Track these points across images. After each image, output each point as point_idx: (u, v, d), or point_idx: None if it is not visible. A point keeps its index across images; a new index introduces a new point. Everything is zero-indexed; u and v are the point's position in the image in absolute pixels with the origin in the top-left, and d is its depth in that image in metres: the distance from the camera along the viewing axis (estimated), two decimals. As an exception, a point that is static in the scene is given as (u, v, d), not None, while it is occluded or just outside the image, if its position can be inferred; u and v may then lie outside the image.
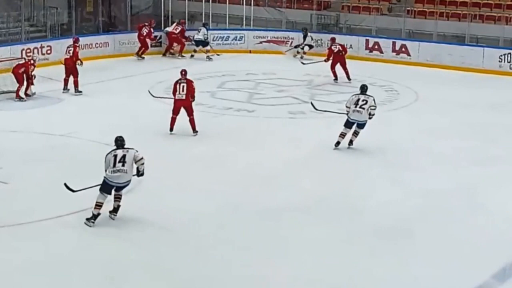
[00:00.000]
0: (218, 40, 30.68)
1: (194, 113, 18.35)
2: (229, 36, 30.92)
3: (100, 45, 28.40)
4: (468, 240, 12.63)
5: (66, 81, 22.59)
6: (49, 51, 26.73)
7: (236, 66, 26.81)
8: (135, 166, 13.20)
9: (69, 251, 11.93)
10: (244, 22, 32.36)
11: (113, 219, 13.14)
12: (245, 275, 11.26)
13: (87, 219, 12.94)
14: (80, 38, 27.33)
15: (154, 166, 15.92)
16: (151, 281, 11.03)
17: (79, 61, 22.51)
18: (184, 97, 18.25)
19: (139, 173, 13.34)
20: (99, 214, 12.96)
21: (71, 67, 22.54)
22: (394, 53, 29.02)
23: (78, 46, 23.00)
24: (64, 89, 22.55)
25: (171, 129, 18.43)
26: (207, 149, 17.29)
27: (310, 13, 32.44)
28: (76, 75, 22.45)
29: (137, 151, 13.17)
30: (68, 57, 22.64)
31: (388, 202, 14.24)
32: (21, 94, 21.64)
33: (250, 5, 32.41)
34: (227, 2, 32.52)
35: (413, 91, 23.72)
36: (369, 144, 17.95)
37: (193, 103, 18.38)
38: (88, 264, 11.48)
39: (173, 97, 18.32)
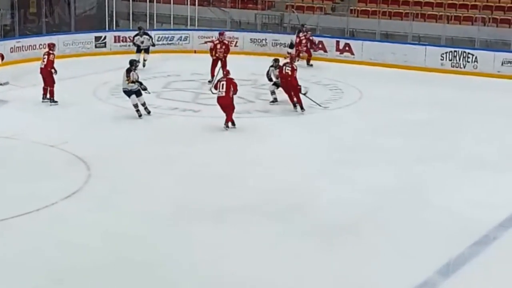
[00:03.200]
0: (162, 40, 30.62)
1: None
2: (173, 37, 30.90)
3: (44, 46, 28.10)
4: (413, 236, 12.83)
5: (45, 90, 21.45)
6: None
7: (181, 66, 26.82)
8: None
9: (14, 255, 11.85)
10: (188, 22, 32.38)
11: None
12: (194, 276, 11.32)
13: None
14: (24, 40, 27.24)
15: (100, 164, 16.02)
16: (96, 281, 11.04)
17: (53, 70, 21.43)
18: (224, 94, 18.98)
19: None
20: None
21: (46, 76, 21.43)
22: (338, 52, 29.26)
23: (52, 54, 21.66)
24: (43, 98, 21.42)
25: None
26: (154, 149, 17.28)
27: (255, 13, 32.61)
28: (51, 85, 21.38)
29: None
30: (43, 66, 21.48)
31: (334, 200, 14.38)
32: None
33: (195, 5, 32.43)
34: (172, 2, 32.52)
35: (357, 90, 23.94)
36: (315, 142, 18.11)
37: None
38: (33, 267, 11.40)
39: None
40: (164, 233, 12.72)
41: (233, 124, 19.21)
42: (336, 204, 14.20)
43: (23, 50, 27.30)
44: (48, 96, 21.39)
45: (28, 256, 11.76)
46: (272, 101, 21.66)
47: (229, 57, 24.78)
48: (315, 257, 11.94)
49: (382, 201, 14.44)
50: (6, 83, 21.64)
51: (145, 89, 20.03)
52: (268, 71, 21.84)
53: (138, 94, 19.97)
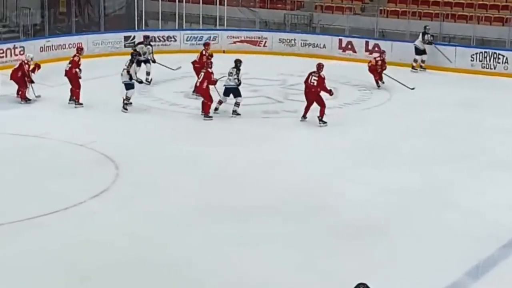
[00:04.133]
0: (191, 40, 30.66)
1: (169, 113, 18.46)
2: (202, 36, 30.85)
3: (74, 46, 28.19)
4: (440, 238, 12.75)
5: (72, 91, 21.32)
6: (22, 52, 26.52)
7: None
8: None
9: (42, 252, 11.90)
10: (217, 22, 32.40)
11: None
12: (216, 277, 11.30)
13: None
14: (53, 39, 27.36)
15: (128, 164, 16.08)
16: (123, 281, 11.05)
17: (78, 70, 21.29)
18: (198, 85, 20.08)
19: None
20: None
21: (71, 78, 21.28)
22: (367, 53, 29.10)
23: (78, 56, 21.47)
24: (70, 99, 21.28)
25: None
26: (180, 149, 17.29)
27: (284, 13, 32.54)
28: (77, 87, 21.22)
29: None
30: (67, 68, 21.35)
31: (359, 200, 14.33)
32: (28, 95, 21.44)
33: (224, 5, 32.44)
34: (201, 2, 32.53)
35: (386, 90, 23.83)
36: (341, 142, 18.07)
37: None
38: (60, 265, 11.45)
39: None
40: (187, 233, 12.74)
41: (209, 116, 19.93)
42: (359, 205, 14.15)
43: (52, 50, 27.42)
44: (73, 97, 21.30)
45: (56, 254, 11.81)
46: None
47: (258, 57, 24.84)
48: (337, 258, 11.89)
49: (406, 202, 14.39)
50: (38, 96, 21.70)
51: (141, 82, 21.00)
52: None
53: (129, 87, 20.56)
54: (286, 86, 24.22)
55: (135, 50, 23.76)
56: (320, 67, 19.88)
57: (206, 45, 23.85)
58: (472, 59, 27.30)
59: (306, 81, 19.95)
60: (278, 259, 11.82)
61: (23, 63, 21.51)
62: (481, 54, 27.21)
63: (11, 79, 21.41)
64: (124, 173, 15.61)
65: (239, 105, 20.40)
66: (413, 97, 22.87)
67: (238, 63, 20.65)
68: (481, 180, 15.72)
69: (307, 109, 19.91)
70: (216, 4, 32.45)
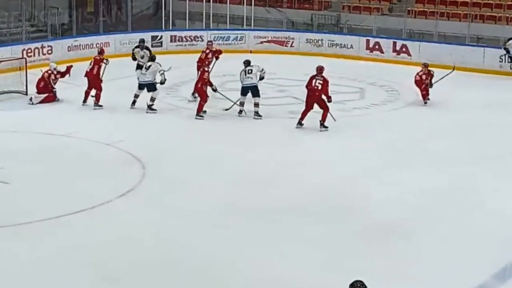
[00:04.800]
0: (218, 40, 30.68)
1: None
2: (229, 36, 30.93)
3: (101, 45, 28.37)
4: (466, 240, 12.65)
5: (87, 93, 21.26)
6: (49, 51, 26.75)
7: (237, 67, 26.73)
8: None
9: (69, 251, 11.94)
10: (244, 22, 32.40)
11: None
12: (243, 277, 11.28)
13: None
14: (81, 38, 27.48)
15: (155, 163, 16.10)
16: (150, 281, 11.06)
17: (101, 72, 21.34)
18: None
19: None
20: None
21: (92, 80, 21.22)
22: (395, 53, 29.01)
23: (99, 58, 21.45)
24: (84, 101, 21.22)
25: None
26: (207, 149, 17.30)
27: (311, 13, 32.52)
28: (98, 88, 21.12)
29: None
30: (88, 70, 21.32)
31: (386, 201, 14.26)
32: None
33: (251, 5, 32.44)
34: (228, 2, 32.56)
35: (414, 91, 23.68)
36: (368, 143, 18.00)
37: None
38: (86, 264, 11.48)
39: None
40: (214, 233, 12.72)
41: (201, 115, 20.00)
42: (386, 206, 14.08)
43: (80, 49, 27.55)
44: (87, 100, 21.20)
45: (83, 254, 11.83)
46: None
47: (285, 57, 24.77)
48: (365, 259, 11.83)
49: (433, 203, 14.30)
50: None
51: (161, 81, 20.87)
52: None
53: (150, 88, 20.73)
54: (313, 87, 24.13)
55: (133, 55, 23.76)
56: (322, 69, 19.47)
57: (209, 43, 23.90)
58: (501, 60, 27.11)
59: (309, 85, 19.35)
60: (305, 259, 11.78)
61: (46, 74, 21.53)
62: (509, 55, 27.04)
63: (36, 88, 21.52)
64: (150, 173, 15.64)
65: (258, 105, 20.36)
66: (440, 98, 22.72)
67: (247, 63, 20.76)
68: (509, 182, 15.58)
69: (304, 114, 19.23)
70: (243, 4, 32.46)
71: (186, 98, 21.99)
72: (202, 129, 19.16)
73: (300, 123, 19.15)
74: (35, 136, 18.24)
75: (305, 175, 15.72)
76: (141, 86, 20.77)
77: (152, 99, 20.59)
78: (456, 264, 11.70)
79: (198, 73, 21.10)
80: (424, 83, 22.26)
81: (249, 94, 20.33)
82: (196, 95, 20.99)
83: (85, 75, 21.32)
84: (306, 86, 19.41)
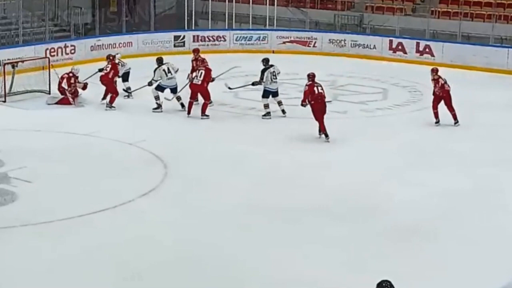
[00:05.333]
0: (241, 40, 30.68)
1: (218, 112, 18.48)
2: (252, 36, 30.92)
3: (124, 45, 28.49)
4: (490, 241, 12.54)
5: (107, 92, 21.41)
6: (72, 51, 26.86)
7: (259, 66, 26.71)
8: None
9: (91, 250, 11.96)
10: (267, 22, 32.37)
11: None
12: (264, 277, 11.25)
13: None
14: (104, 38, 27.54)
15: (177, 163, 16.11)
16: (172, 280, 11.05)
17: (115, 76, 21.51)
18: (199, 83, 19.74)
19: None
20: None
21: (107, 84, 21.29)
22: (418, 54, 28.89)
23: (114, 62, 21.51)
24: (103, 98, 21.44)
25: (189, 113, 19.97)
26: (229, 148, 17.30)
27: (334, 13, 32.44)
28: (114, 92, 21.22)
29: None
30: (103, 73, 21.34)
31: (409, 202, 14.19)
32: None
33: (274, 5, 32.40)
34: (251, 2, 32.55)
35: (437, 92, 23.58)
36: (391, 144, 17.92)
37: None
38: (108, 263, 11.49)
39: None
40: (236, 233, 12.70)
41: (206, 115, 19.94)
42: (409, 207, 14.01)
43: (103, 49, 27.60)
44: (108, 100, 21.21)
45: (104, 253, 11.85)
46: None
47: (307, 57, 24.71)
48: (387, 260, 11.77)
49: (457, 204, 14.20)
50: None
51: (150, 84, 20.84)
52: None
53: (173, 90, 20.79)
54: (336, 87, 24.11)
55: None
56: (314, 76, 18.58)
57: (195, 51, 22.96)
58: (526, 60, 26.97)
59: (315, 93, 18.23)
60: (327, 259, 11.73)
61: (66, 75, 21.46)
62: (535, 55, 26.88)
63: (58, 88, 21.61)
64: (172, 172, 15.64)
65: (282, 103, 20.45)
66: (464, 98, 22.56)
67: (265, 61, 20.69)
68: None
69: (321, 125, 18.30)
70: (266, 4, 32.44)
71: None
72: (224, 129, 19.15)
73: (323, 134, 18.28)
74: (58, 135, 18.30)
75: (328, 175, 15.66)
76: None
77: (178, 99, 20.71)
78: (479, 266, 11.60)
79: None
80: (441, 98, 19.82)
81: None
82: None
83: (100, 79, 21.37)
84: (311, 97, 18.30)
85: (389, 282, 7.85)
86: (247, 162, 16.43)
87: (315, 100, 18.30)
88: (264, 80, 20.31)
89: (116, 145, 17.53)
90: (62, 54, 26.30)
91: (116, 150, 17.23)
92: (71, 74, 21.42)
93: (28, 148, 17.00)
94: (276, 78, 20.45)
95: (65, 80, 21.32)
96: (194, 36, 30.53)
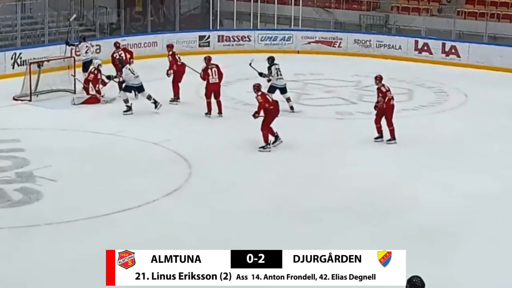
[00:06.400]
0: (266, 40, 30.65)
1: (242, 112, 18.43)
2: (277, 37, 30.87)
3: (149, 45, 28.56)
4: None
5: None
6: (98, 50, 26.92)
7: (284, 67, 26.67)
8: None
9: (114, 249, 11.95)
10: (292, 22, 32.31)
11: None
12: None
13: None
14: (129, 38, 27.60)
15: (201, 163, 16.10)
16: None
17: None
18: (217, 81, 19.95)
19: None
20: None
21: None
22: (444, 55, 28.72)
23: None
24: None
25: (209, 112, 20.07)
26: (253, 148, 17.26)
27: (359, 14, 32.34)
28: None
29: None
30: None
31: (434, 204, 14.13)
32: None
33: (299, 5, 32.34)
34: (276, 2, 32.49)
35: (463, 93, 23.46)
36: (415, 145, 17.83)
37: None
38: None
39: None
40: (259, 234, 12.64)
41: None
42: (434, 209, 13.94)
43: (128, 48, 27.62)
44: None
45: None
46: None
47: (333, 58, 24.67)
48: (412, 262, 11.64)
49: (482, 206, 14.12)
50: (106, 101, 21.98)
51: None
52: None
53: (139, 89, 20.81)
54: (361, 88, 24.03)
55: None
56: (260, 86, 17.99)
57: (168, 46, 23.25)
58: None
59: (268, 101, 17.67)
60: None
61: (92, 75, 21.54)
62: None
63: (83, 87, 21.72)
64: (197, 172, 15.64)
65: (290, 99, 20.68)
66: (490, 99, 22.47)
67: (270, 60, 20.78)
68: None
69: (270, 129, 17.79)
70: (291, 4, 32.38)
71: (233, 98, 21.94)
72: (248, 130, 19.08)
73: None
74: (83, 134, 18.36)
75: (352, 176, 15.61)
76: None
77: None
78: (505, 269, 11.53)
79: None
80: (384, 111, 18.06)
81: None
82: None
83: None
84: (269, 103, 17.65)
85: (420, 278, 7.78)
86: (272, 163, 16.40)
87: (274, 106, 17.75)
88: (273, 74, 20.46)
89: (140, 144, 17.56)
90: (87, 54, 26.34)
91: (141, 149, 17.26)
92: (96, 72, 21.48)
93: (53, 147, 17.07)
94: (281, 75, 20.52)
95: (91, 77, 21.39)
96: (219, 36, 30.54)
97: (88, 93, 21.40)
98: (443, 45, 28.91)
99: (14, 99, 21.49)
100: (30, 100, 21.43)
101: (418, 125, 19.86)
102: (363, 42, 30.35)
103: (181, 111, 20.72)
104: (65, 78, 22.29)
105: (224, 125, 19.49)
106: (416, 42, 29.46)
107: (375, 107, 17.97)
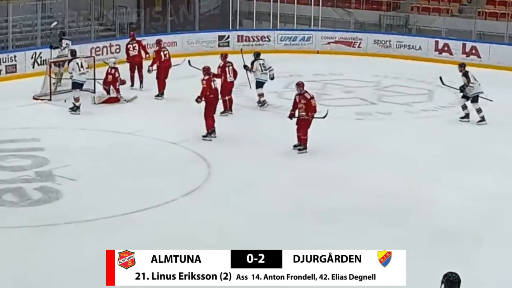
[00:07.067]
0: (285, 40, 30.60)
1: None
2: (296, 37, 30.80)
3: (168, 45, 28.47)
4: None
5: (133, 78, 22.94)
6: (117, 50, 26.96)
7: (304, 67, 26.69)
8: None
9: (133, 248, 11.92)
10: (312, 22, 32.24)
11: None
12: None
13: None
14: (148, 38, 27.62)
15: (220, 163, 16.08)
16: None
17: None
18: (233, 79, 20.09)
19: None
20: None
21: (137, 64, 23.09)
22: (464, 55, 28.52)
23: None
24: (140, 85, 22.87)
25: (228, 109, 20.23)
26: (273, 148, 17.23)
27: (379, 14, 32.24)
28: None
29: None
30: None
31: (453, 205, 14.08)
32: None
33: (318, 5, 32.26)
34: (295, 2, 32.42)
35: (483, 94, 23.29)
36: (436, 145, 17.75)
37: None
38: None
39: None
40: (278, 233, 12.63)
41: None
42: (453, 210, 13.89)
43: (147, 48, 27.63)
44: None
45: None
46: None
47: (352, 58, 24.55)
48: (430, 263, 11.63)
49: (501, 207, 14.05)
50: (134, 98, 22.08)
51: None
52: None
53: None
54: (380, 88, 23.96)
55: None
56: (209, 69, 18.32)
57: (157, 42, 23.87)
58: None
59: (211, 88, 18.03)
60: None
61: (110, 76, 21.57)
62: None
63: (103, 86, 21.79)
64: (215, 172, 15.63)
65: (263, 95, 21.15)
66: (511, 100, 22.32)
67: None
68: None
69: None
70: (310, 4, 32.30)
71: (252, 98, 21.91)
72: (268, 129, 19.08)
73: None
74: (102, 134, 18.40)
75: (370, 176, 15.55)
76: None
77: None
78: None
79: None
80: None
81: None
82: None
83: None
84: (210, 91, 17.90)
85: (457, 274, 7.73)
86: (290, 163, 16.38)
87: (214, 94, 18.08)
88: (254, 69, 20.82)
89: (159, 144, 17.57)
90: (107, 53, 26.43)
91: (159, 149, 17.27)
92: (113, 70, 21.49)
93: (72, 147, 17.12)
94: (266, 70, 20.77)
95: (110, 78, 21.41)
96: (238, 36, 30.50)
97: (108, 93, 21.44)
98: (464, 45, 28.75)
99: (34, 98, 21.55)
100: (50, 100, 21.48)
101: (437, 126, 19.77)
102: (383, 42, 30.24)
103: (200, 111, 20.68)
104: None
105: (244, 125, 19.46)
106: (437, 42, 29.32)
107: (291, 115, 16.91)
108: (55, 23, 25.36)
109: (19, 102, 21.00)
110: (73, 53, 21.34)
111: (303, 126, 16.96)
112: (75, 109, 20.30)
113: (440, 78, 20.97)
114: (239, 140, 17.98)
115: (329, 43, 30.69)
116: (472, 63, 27.69)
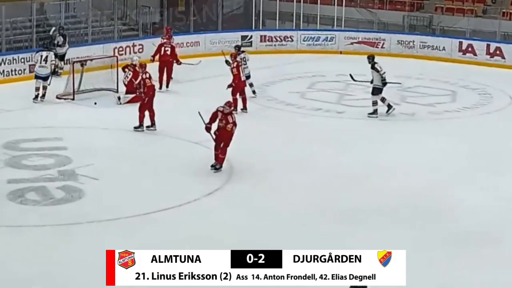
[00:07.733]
0: (308, 40, 30.55)
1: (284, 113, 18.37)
2: (319, 37, 30.73)
3: (191, 45, 28.60)
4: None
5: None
6: (141, 50, 27.03)
7: (326, 67, 26.65)
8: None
9: (154, 248, 11.91)
10: (335, 22, 32.16)
11: None
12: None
13: None
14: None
15: (243, 163, 16.04)
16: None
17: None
18: (245, 78, 20.54)
19: None
20: None
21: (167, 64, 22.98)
22: (488, 56, 28.40)
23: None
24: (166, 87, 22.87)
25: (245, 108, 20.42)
26: (294, 149, 17.21)
27: (402, 14, 32.12)
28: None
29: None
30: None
31: (477, 207, 14.00)
32: None
33: (342, 5, 32.19)
34: (319, 3, 32.38)
35: (507, 95, 23.20)
36: (459, 147, 17.65)
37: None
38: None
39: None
40: (299, 234, 12.61)
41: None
42: (476, 211, 13.81)
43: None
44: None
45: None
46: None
47: (376, 58, 24.24)
48: (454, 265, 11.56)
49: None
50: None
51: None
52: None
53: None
54: (404, 89, 23.85)
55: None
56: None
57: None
58: None
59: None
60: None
61: (135, 73, 21.58)
62: None
63: (126, 86, 21.82)
64: (238, 172, 15.62)
65: (252, 84, 21.63)
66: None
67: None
68: None
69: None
70: (334, 5, 32.24)
71: (275, 98, 21.90)
72: (291, 129, 19.05)
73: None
74: (124, 133, 18.43)
75: (394, 177, 15.51)
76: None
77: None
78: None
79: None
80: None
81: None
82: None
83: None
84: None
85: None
86: (313, 163, 16.35)
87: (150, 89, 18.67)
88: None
89: (182, 144, 17.58)
90: (130, 53, 26.48)
91: (182, 149, 17.28)
92: (137, 68, 21.46)
93: (95, 146, 17.16)
94: (246, 64, 21.06)
95: (132, 77, 21.43)
96: (261, 36, 30.50)
97: (132, 93, 21.47)
98: (488, 46, 28.59)
99: (57, 97, 21.63)
100: (73, 99, 21.56)
101: (461, 127, 19.68)
102: (406, 43, 30.11)
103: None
104: (108, 77, 22.40)
105: (266, 126, 19.44)
106: (460, 43, 29.17)
107: (207, 128, 15.90)
108: (54, 28, 25.45)
109: (42, 102, 21.16)
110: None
111: (225, 144, 15.67)
112: (34, 97, 21.15)
113: (350, 75, 21.34)
114: (262, 141, 17.93)
115: (352, 43, 30.61)
116: (497, 64, 27.72)
